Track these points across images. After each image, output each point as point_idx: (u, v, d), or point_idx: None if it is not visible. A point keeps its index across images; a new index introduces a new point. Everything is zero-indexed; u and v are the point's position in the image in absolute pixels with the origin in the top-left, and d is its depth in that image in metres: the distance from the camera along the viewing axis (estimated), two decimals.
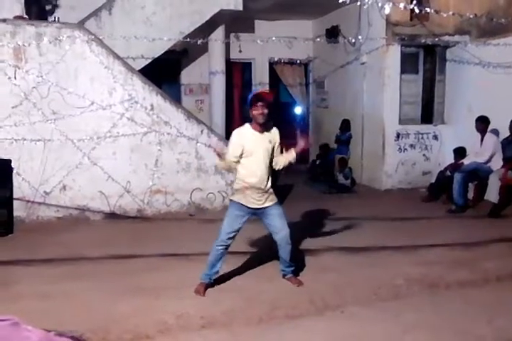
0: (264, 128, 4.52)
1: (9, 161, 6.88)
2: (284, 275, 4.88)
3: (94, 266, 5.37)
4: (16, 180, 6.98)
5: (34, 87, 7.05)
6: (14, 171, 6.96)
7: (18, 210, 7.01)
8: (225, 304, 4.31)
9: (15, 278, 4.95)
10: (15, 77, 6.99)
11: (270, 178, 4.61)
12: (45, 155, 7.14)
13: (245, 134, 4.53)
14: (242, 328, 3.94)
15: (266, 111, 4.40)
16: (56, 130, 7.17)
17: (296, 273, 4.91)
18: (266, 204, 4.60)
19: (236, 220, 4.58)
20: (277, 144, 4.63)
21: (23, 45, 6.95)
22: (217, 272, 4.69)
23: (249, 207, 4.59)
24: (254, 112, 4.41)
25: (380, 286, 4.69)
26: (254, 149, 4.48)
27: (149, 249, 5.91)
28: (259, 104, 4.39)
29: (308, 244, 6.00)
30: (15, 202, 6.94)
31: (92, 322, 3.92)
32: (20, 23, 7.09)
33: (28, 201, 7.12)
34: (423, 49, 9.68)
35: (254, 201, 4.58)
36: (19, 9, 7.85)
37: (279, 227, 4.63)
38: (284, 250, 4.70)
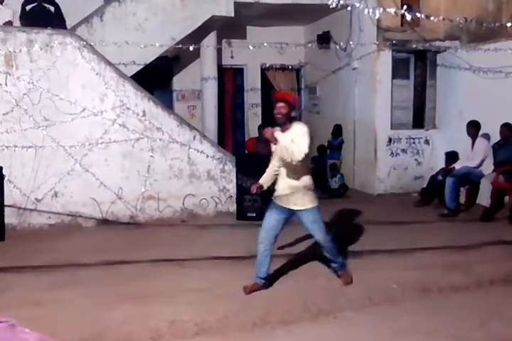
0: (284, 127, 4.56)
1: (0, 168, 6.83)
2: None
3: (86, 273, 5.34)
4: (7, 187, 6.93)
5: (25, 94, 7.02)
6: (5, 178, 6.91)
7: (10, 217, 6.96)
8: (218, 310, 4.30)
9: (6, 286, 4.91)
10: (6, 84, 6.96)
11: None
12: (37, 162, 7.11)
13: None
14: (236, 334, 3.93)
15: (281, 110, 4.50)
16: (47, 136, 7.14)
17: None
18: None
19: None
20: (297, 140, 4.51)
21: (14, 52, 6.93)
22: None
23: None
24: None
25: (373, 290, 4.69)
26: None
27: (142, 255, 5.88)
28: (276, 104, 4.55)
29: (301, 249, 5.99)
30: (6, 209, 6.89)
31: (85, 330, 3.90)
32: (11, 30, 7.08)
33: (20, 208, 7.08)
34: (414, 54, 9.74)
35: None
36: (9, 15, 7.85)
37: None
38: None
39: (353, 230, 6.83)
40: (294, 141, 4.40)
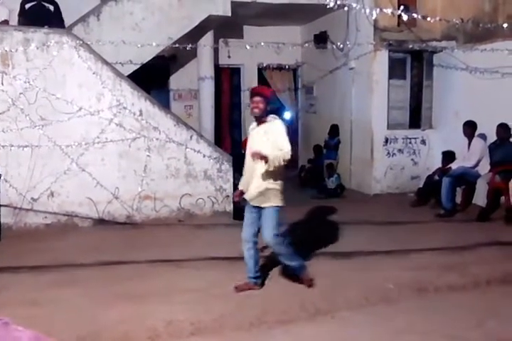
0: (261, 121, 4.65)
1: None
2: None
3: (83, 273, 5.33)
4: (3, 187, 6.91)
5: (21, 93, 7.00)
6: (1, 177, 6.89)
7: (6, 217, 6.93)
8: (215, 310, 4.30)
9: (2, 286, 4.89)
10: (2, 83, 6.93)
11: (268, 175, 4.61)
12: (33, 162, 7.09)
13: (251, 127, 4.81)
14: (233, 334, 3.93)
15: (259, 105, 4.55)
16: (44, 136, 7.12)
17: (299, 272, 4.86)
18: None
19: None
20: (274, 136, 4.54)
21: (11, 51, 6.91)
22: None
23: None
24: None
25: (370, 291, 4.70)
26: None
27: (138, 255, 5.87)
28: (253, 98, 4.60)
29: (298, 249, 5.99)
30: (2, 209, 6.87)
31: (82, 330, 3.89)
32: (8, 29, 7.06)
33: (16, 208, 7.06)
34: (410, 54, 9.75)
35: None
36: (5, 14, 7.82)
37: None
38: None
39: (348, 230, 6.83)
40: (269, 138, 4.50)
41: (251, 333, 3.95)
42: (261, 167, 4.52)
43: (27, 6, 7.89)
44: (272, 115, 4.69)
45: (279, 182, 4.61)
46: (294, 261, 4.76)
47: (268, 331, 3.97)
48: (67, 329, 3.89)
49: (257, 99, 4.55)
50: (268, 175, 4.55)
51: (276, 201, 4.59)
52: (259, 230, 4.70)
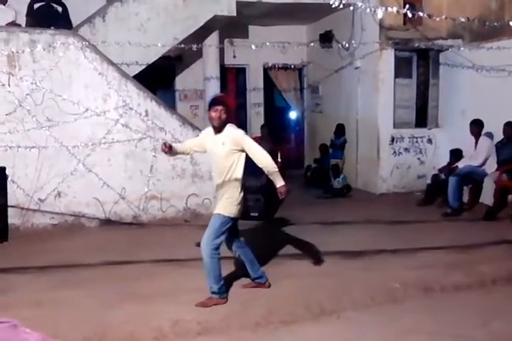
0: (218, 130, 4.47)
1: (3, 168, 6.85)
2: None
3: (89, 273, 5.35)
4: (10, 188, 6.95)
5: (28, 94, 7.04)
6: (9, 178, 6.93)
7: (13, 218, 6.98)
8: (221, 310, 4.30)
9: (9, 286, 4.92)
10: (9, 84, 6.98)
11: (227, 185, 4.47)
12: (40, 162, 7.12)
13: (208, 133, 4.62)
14: (239, 334, 3.93)
15: (221, 114, 4.38)
16: (51, 137, 7.15)
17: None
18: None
19: None
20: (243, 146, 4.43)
21: (17, 52, 6.95)
22: None
23: None
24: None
25: (376, 290, 4.69)
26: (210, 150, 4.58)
27: (145, 255, 5.89)
28: (215, 107, 4.41)
29: (303, 248, 5.99)
30: (9, 210, 6.91)
31: (88, 330, 3.91)
32: (14, 30, 7.10)
33: (23, 208, 7.09)
34: (416, 53, 9.72)
35: None
36: (12, 16, 7.86)
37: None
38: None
39: (354, 230, 6.82)
40: (225, 148, 4.38)
41: (257, 333, 3.95)
42: (228, 175, 4.44)
43: (35, 6, 7.94)
44: (229, 124, 4.47)
45: (236, 193, 4.47)
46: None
47: (274, 331, 3.97)
48: (73, 329, 3.91)
49: (219, 107, 4.36)
50: (229, 184, 4.45)
51: (222, 209, 4.45)
52: (233, 234, 4.69)
